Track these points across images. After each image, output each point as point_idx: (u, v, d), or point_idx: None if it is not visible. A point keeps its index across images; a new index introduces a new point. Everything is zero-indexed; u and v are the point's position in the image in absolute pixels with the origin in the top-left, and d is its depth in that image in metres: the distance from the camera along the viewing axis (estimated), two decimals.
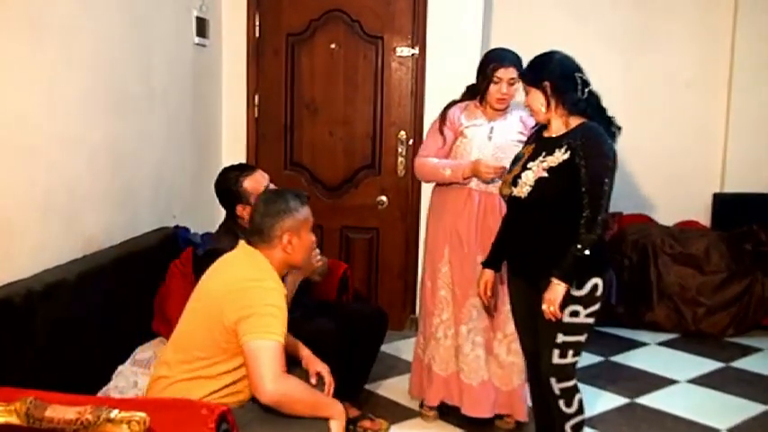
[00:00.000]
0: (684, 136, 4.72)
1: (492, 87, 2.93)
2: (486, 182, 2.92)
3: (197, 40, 3.65)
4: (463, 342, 2.97)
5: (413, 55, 3.98)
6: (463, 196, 2.96)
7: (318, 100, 4.10)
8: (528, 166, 2.41)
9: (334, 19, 4.04)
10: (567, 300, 2.35)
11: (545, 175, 2.35)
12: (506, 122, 3.01)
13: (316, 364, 2.30)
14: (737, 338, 4.32)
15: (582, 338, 2.41)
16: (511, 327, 2.92)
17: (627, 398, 3.43)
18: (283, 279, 2.69)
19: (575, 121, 2.40)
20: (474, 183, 2.95)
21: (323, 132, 4.12)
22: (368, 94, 4.07)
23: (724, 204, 4.82)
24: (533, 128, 2.64)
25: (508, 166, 2.84)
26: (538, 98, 2.41)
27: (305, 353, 2.34)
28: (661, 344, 4.24)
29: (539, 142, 2.47)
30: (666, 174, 4.68)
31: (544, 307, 2.33)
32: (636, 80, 4.64)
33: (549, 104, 2.40)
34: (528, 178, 2.38)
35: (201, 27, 3.69)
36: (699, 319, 4.35)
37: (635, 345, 4.17)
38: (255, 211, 2.20)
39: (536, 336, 2.48)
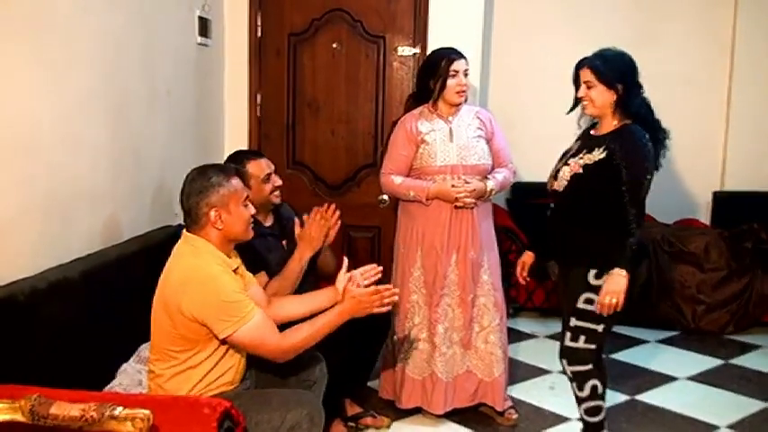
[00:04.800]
0: (684, 134, 4.66)
1: (450, 81, 2.96)
2: (457, 206, 2.94)
3: (199, 39, 3.64)
4: (440, 342, 3.00)
5: (414, 54, 3.98)
6: (434, 202, 2.98)
7: (320, 99, 4.10)
8: (568, 162, 2.50)
9: (335, 19, 4.03)
10: (584, 287, 2.44)
11: (580, 171, 2.45)
12: (462, 120, 3.04)
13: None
14: (737, 336, 4.33)
15: (596, 327, 2.48)
16: (487, 319, 3.02)
17: (627, 395, 3.43)
18: (289, 255, 2.73)
19: (616, 123, 2.47)
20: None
21: (325, 131, 4.12)
22: (369, 93, 4.07)
23: (724, 202, 4.82)
24: (588, 128, 2.65)
25: (475, 162, 2.97)
26: (606, 96, 2.44)
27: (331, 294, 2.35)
28: (661, 341, 4.25)
29: (585, 139, 2.55)
30: (666, 172, 4.64)
31: (606, 300, 2.38)
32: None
33: (613, 105, 2.45)
34: (565, 173, 2.48)
35: (204, 27, 3.69)
36: (698, 316, 4.36)
37: (635, 342, 4.18)
38: (182, 193, 2.16)
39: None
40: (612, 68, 2.45)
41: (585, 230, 2.45)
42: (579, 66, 2.51)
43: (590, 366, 2.51)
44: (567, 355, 2.53)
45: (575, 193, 2.46)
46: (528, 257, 2.76)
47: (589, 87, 2.46)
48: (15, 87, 2.21)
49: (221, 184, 2.12)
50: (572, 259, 2.49)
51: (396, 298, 2.23)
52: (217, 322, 2.03)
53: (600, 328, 2.47)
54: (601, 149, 2.44)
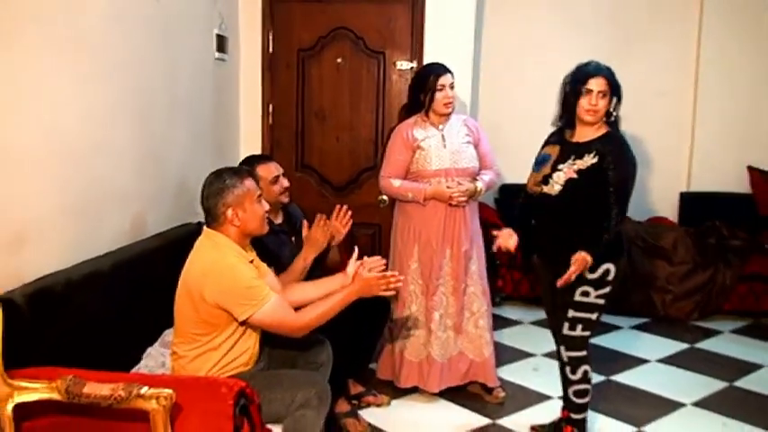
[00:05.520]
0: (655, 141, 4.73)
1: (438, 95, 2.96)
2: (452, 204, 2.94)
3: (217, 55, 3.64)
4: (436, 327, 3.01)
5: (411, 68, 3.97)
6: (430, 202, 2.98)
7: (326, 109, 4.10)
8: (558, 167, 2.45)
9: (340, 36, 4.03)
10: (580, 280, 2.40)
11: (575, 176, 2.40)
12: (453, 128, 3.04)
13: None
14: (701, 322, 4.34)
15: (591, 316, 2.46)
16: (476, 305, 3.03)
17: (604, 376, 3.43)
18: (297, 249, 2.73)
19: (601, 130, 2.44)
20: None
21: (330, 138, 4.12)
22: (371, 104, 4.07)
23: (690, 202, 4.83)
24: (553, 133, 2.61)
25: (465, 165, 2.96)
26: (607, 105, 2.42)
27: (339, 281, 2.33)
28: (634, 327, 4.25)
29: (565, 146, 2.49)
30: (639, 175, 4.65)
31: (571, 277, 2.34)
32: None
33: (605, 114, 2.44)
34: (559, 178, 2.43)
35: (221, 43, 3.68)
36: (667, 305, 4.36)
37: (611, 328, 4.18)
38: (201, 195, 2.16)
39: (557, 314, 2.55)
40: (615, 80, 2.44)
41: (579, 230, 2.40)
42: (590, 74, 2.41)
43: (584, 353, 2.50)
44: (566, 342, 2.51)
45: (570, 197, 2.41)
46: (513, 236, 2.58)
47: (603, 96, 2.40)
48: (51, 100, 2.21)
49: (235, 185, 2.13)
50: (566, 257, 2.40)
51: (400, 284, 2.27)
52: (237, 306, 2.04)
53: (594, 316, 2.46)
54: (591, 155, 2.39)
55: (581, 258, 2.33)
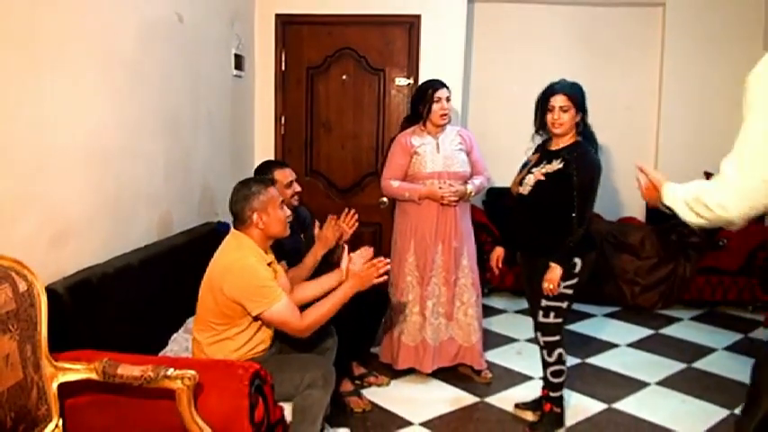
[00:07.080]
0: (624, 148, 4.73)
1: (435, 106, 2.96)
2: (443, 204, 2.94)
3: (235, 72, 3.64)
4: (429, 314, 3.01)
5: (408, 84, 3.98)
6: (424, 201, 2.98)
7: (332, 120, 4.10)
8: (532, 171, 2.49)
9: (345, 55, 4.03)
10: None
11: (543, 179, 2.44)
12: (447, 137, 3.04)
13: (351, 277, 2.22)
14: (664, 311, 4.34)
15: (561, 305, 2.48)
16: (467, 296, 3.03)
17: (579, 359, 3.44)
18: (304, 244, 2.73)
19: (571, 139, 2.46)
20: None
21: (336, 146, 4.12)
22: (372, 116, 4.07)
23: None
24: (540, 143, 2.63)
25: (457, 169, 2.97)
26: (573, 119, 2.44)
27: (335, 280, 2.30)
28: (606, 315, 4.26)
29: (542, 153, 2.53)
30: (610, 179, 4.68)
31: (545, 285, 2.41)
32: (588, 106, 4.64)
33: (575, 126, 2.45)
34: (530, 180, 2.47)
35: (239, 62, 3.68)
36: (635, 295, 4.37)
37: (585, 316, 4.19)
38: (230, 200, 2.16)
39: (534, 303, 2.57)
40: (581, 96, 2.46)
41: (547, 226, 2.43)
42: (553, 92, 2.44)
43: (558, 337, 2.51)
44: (541, 328, 2.53)
45: (538, 196, 2.45)
46: (500, 251, 2.74)
47: (565, 111, 2.42)
48: (89, 112, 2.22)
49: (260, 192, 2.13)
50: (538, 251, 2.46)
51: (388, 267, 2.22)
52: (250, 302, 2.03)
53: (564, 305, 2.48)
54: (558, 161, 2.43)
55: (552, 275, 2.40)
